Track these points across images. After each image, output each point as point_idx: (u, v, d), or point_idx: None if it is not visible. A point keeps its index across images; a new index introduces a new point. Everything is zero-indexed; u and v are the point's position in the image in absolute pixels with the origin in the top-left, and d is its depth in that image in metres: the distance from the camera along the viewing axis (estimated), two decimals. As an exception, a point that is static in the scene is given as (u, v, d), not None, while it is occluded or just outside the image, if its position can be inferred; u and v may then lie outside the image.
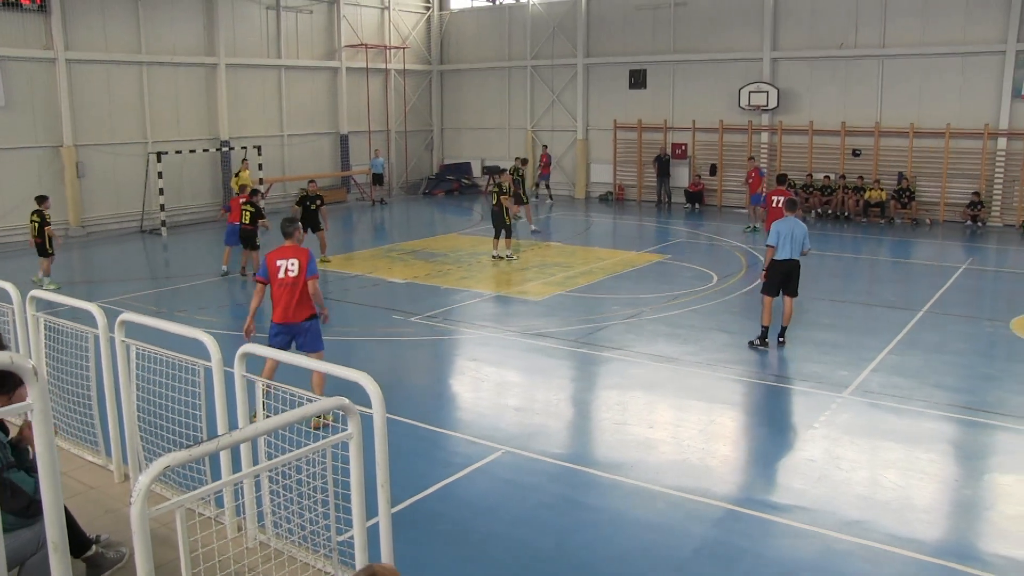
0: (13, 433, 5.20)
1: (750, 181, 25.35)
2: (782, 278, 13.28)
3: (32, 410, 3.60)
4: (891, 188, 27.02)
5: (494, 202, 20.76)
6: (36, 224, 17.80)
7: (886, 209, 26.77)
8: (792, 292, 13.43)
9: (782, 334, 13.52)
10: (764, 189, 24.69)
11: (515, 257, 20.96)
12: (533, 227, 25.35)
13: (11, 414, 3.99)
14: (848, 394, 11.34)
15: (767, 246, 13.42)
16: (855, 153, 28.04)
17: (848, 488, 8.62)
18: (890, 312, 15.70)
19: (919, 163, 27.01)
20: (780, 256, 13.18)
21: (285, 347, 10.19)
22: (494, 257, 20.87)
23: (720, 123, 30.40)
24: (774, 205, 18.51)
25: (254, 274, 18.62)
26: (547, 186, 33.68)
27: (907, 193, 26.64)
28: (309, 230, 19.78)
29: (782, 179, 19.83)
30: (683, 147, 31.43)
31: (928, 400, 11.04)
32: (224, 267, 19.63)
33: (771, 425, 10.70)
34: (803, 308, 16.40)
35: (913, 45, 26.67)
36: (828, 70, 28.40)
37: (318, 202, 20.25)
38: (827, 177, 27.94)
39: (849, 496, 8.45)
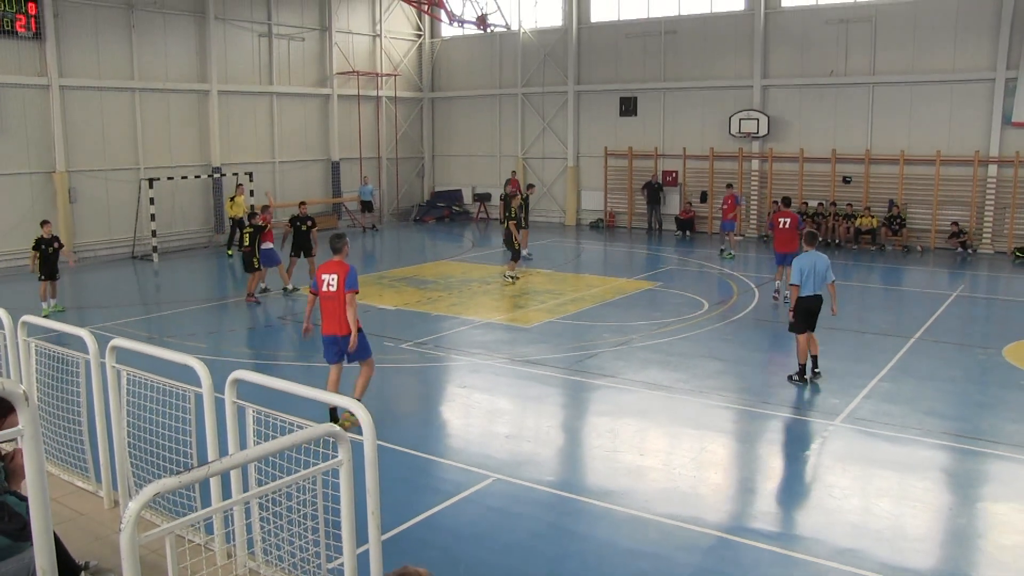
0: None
1: (724, 207, 25.46)
2: (808, 314, 12.86)
3: (23, 435, 3.58)
4: (882, 215, 27.17)
5: (505, 226, 21.58)
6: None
7: (877, 236, 26.89)
8: (813, 327, 13.03)
9: (816, 364, 13.13)
10: (739, 216, 25.25)
11: (515, 278, 21.28)
12: (525, 252, 25.47)
13: (1, 439, 3.96)
14: (840, 422, 11.34)
15: (791, 285, 12.91)
16: (845, 180, 28.20)
17: (840, 516, 8.60)
18: (881, 339, 15.74)
19: (910, 190, 27.17)
20: (804, 292, 12.76)
21: (337, 358, 11.04)
22: (510, 278, 21.38)
23: (711, 150, 30.56)
24: (780, 227, 18.86)
25: (250, 294, 18.74)
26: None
27: (898, 220, 26.80)
28: (301, 254, 20.20)
29: (787, 201, 20.35)
30: (674, 174, 31.56)
31: (921, 428, 11.04)
32: (288, 285, 20.13)
33: (763, 453, 10.69)
34: (793, 335, 16.43)
35: (903, 73, 26.91)
36: (818, 97, 28.63)
37: (308, 223, 20.38)
38: (821, 204, 28.03)
39: (842, 524, 8.42)
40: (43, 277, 17.87)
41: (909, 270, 23.79)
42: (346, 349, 10.88)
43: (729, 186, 26.89)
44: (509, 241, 21.45)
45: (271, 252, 19.62)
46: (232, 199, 26.96)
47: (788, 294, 17.64)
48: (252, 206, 28.06)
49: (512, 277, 21.31)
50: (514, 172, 33.75)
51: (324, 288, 10.85)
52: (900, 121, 27.15)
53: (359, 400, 9.85)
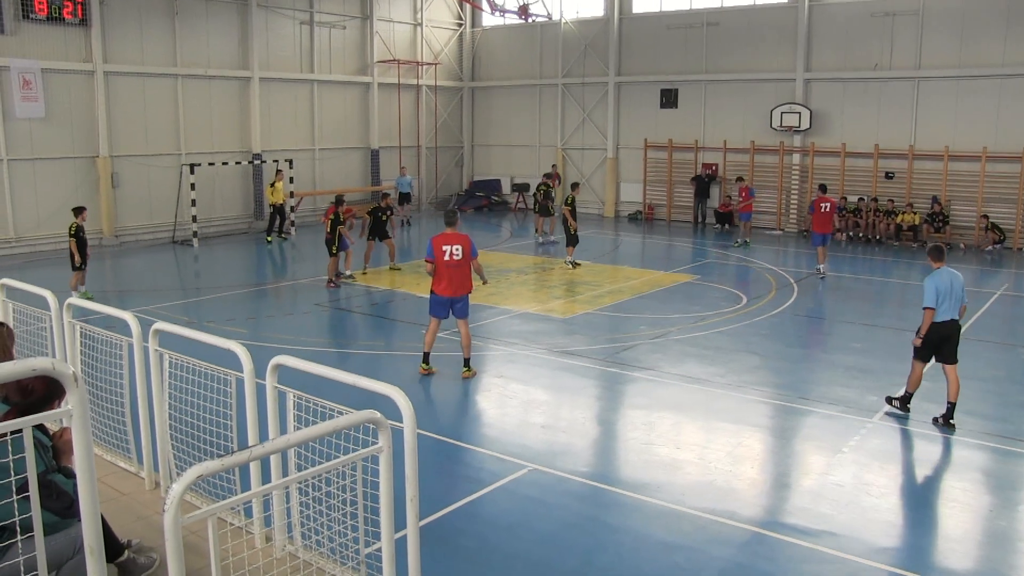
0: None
1: (740, 199, 26.29)
2: (939, 342, 11.00)
3: (72, 416, 3.64)
4: (924, 212, 26.80)
5: (563, 215, 22.81)
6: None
7: (919, 233, 26.55)
8: (951, 359, 11.02)
9: (951, 415, 10.93)
10: (750, 206, 26.75)
11: (576, 264, 22.24)
12: (542, 239, 25.96)
13: (51, 419, 4.04)
14: (878, 419, 11.24)
15: (926, 308, 10.89)
16: (888, 176, 27.86)
17: (877, 514, 8.53)
18: (921, 337, 15.52)
19: (954, 187, 26.78)
20: (940, 317, 10.88)
21: (444, 314, 12.72)
22: (570, 263, 22.38)
23: (751, 144, 30.32)
24: (821, 211, 20.93)
25: (329, 280, 19.65)
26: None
27: (941, 217, 26.42)
28: (376, 239, 21.41)
29: (824, 188, 21.98)
30: (714, 167, 31.37)
31: (961, 427, 10.89)
32: (347, 271, 20.81)
33: (799, 448, 10.62)
34: (832, 331, 16.33)
35: (949, 67, 26.50)
36: (862, 91, 28.28)
37: (388, 213, 21.84)
38: (861, 199, 27.74)
39: (878, 522, 8.35)
40: (83, 265, 17.50)
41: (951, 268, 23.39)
42: (459, 307, 12.57)
43: (740, 179, 27.73)
44: (566, 228, 22.46)
45: (342, 239, 20.32)
46: (272, 185, 27.17)
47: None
48: (292, 193, 28.32)
49: (572, 263, 22.16)
50: (554, 165, 33.74)
51: (447, 257, 12.33)
52: (945, 116, 26.74)
53: (469, 350, 12.87)
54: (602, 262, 23.73)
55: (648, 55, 32.84)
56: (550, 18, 33.85)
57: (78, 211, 17.74)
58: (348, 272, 20.71)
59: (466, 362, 12.92)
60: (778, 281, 20.61)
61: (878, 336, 15.71)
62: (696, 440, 10.69)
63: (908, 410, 11.33)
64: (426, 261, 12.70)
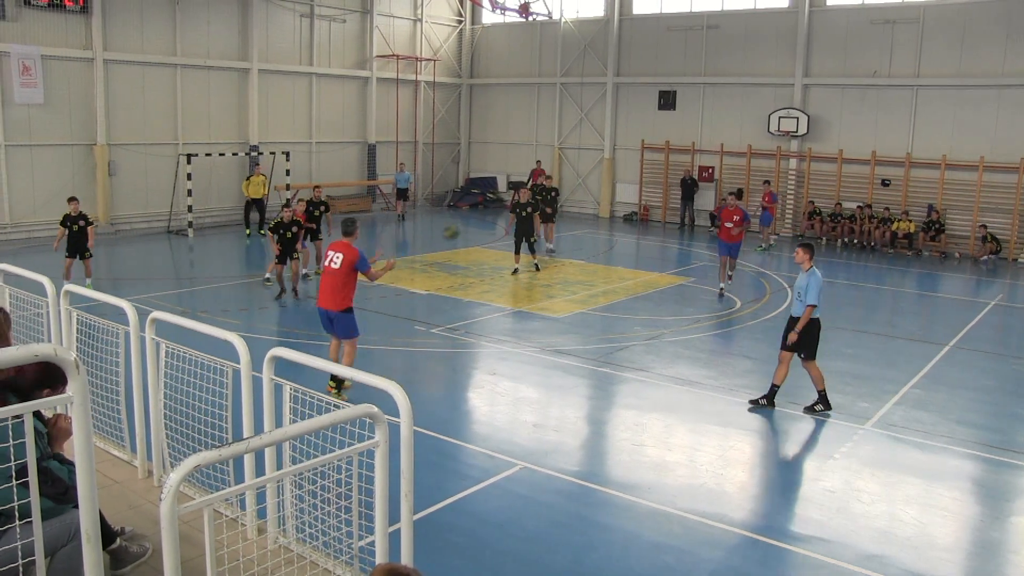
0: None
1: (765, 203, 26.89)
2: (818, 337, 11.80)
3: (72, 403, 3.64)
4: (920, 220, 26.86)
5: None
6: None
7: (914, 241, 26.61)
8: (814, 355, 11.81)
9: (825, 400, 11.72)
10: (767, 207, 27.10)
11: (525, 270, 21.51)
12: (550, 245, 25.45)
13: (51, 405, 4.03)
14: (870, 426, 11.27)
15: (812, 306, 11.44)
16: (884, 183, 27.91)
17: (867, 521, 8.56)
18: (914, 345, 15.59)
19: (950, 196, 26.82)
20: (819, 314, 11.66)
21: (328, 328, 11.74)
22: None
23: (748, 147, 30.34)
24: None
25: (293, 288, 18.73)
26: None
27: (936, 225, 26.47)
28: (309, 237, 19.28)
29: (740, 193, 23.04)
30: (710, 170, 31.40)
31: (952, 436, 10.95)
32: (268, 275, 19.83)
33: (790, 454, 10.66)
34: (824, 337, 16.28)
35: (948, 76, 26.53)
36: (860, 98, 28.31)
37: (322, 208, 19.86)
38: (859, 207, 27.74)
39: (868, 530, 8.38)
40: (68, 255, 17.57)
41: (946, 277, 23.52)
42: (337, 325, 11.48)
43: (766, 183, 27.93)
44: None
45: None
46: (248, 179, 26.93)
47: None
48: (288, 186, 28.25)
49: (534, 264, 21.88)
50: (539, 162, 32.95)
51: (327, 263, 11.55)
52: (943, 125, 26.78)
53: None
54: (596, 262, 23.75)
55: (647, 56, 32.84)
56: (550, 17, 33.85)
57: (69, 200, 17.93)
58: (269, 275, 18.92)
59: (338, 384, 11.30)
60: (772, 286, 20.65)
61: (870, 343, 15.75)
62: (687, 442, 10.71)
63: (775, 405, 11.82)
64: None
